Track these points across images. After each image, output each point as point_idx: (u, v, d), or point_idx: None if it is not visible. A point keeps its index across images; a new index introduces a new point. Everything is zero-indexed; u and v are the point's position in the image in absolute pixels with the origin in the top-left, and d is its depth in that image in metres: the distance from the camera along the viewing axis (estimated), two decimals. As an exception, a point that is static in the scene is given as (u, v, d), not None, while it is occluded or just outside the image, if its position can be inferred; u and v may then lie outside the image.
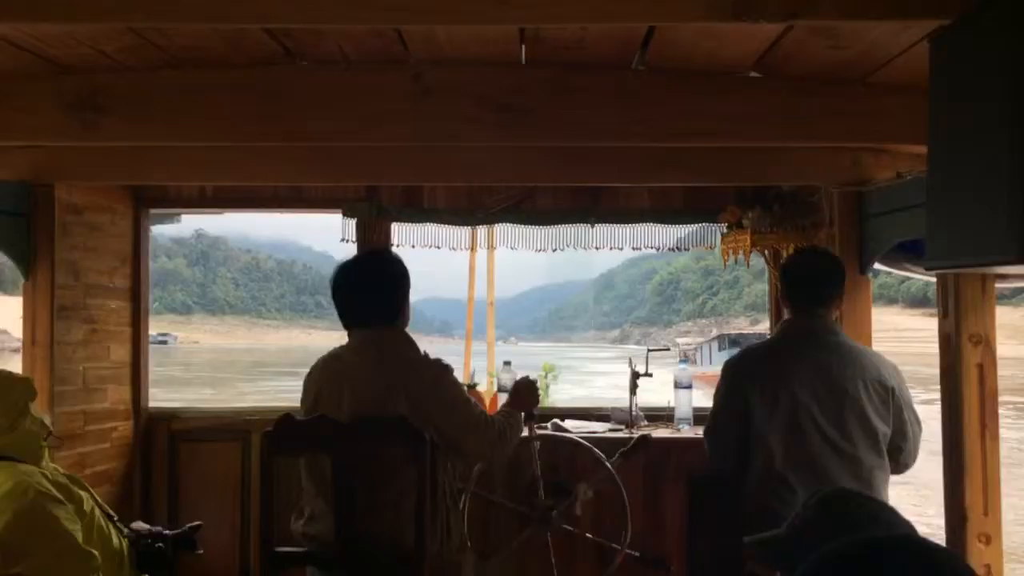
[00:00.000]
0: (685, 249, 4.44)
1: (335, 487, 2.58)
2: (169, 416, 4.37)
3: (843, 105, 2.79)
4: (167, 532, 2.83)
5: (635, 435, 4.08)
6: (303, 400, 2.80)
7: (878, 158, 3.55)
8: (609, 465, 3.62)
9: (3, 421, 2.49)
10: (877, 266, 3.58)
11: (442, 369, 2.72)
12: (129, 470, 4.20)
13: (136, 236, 4.31)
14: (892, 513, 1.64)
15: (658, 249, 4.53)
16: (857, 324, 3.62)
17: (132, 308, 4.28)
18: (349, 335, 2.79)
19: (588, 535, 3.66)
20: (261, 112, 2.81)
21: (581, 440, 3.76)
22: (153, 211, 4.42)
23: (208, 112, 2.82)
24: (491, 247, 4.54)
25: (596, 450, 3.68)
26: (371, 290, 2.74)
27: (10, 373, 2.64)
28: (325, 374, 2.78)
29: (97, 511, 2.60)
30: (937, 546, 1.10)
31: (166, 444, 4.31)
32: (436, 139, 2.97)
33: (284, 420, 2.62)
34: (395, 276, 2.78)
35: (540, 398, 3.16)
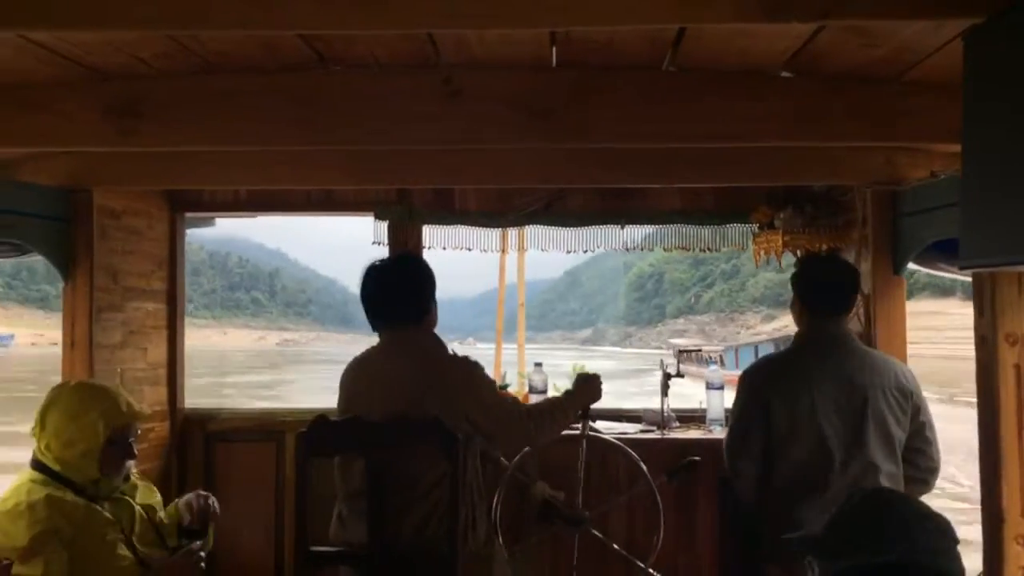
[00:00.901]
0: (716, 250, 4.42)
1: (368, 487, 2.61)
2: (205, 417, 4.42)
3: (877, 104, 2.77)
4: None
5: (667, 436, 4.09)
6: (338, 403, 2.85)
7: (912, 157, 3.52)
8: (653, 483, 3.58)
9: (61, 448, 2.49)
10: (911, 266, 3.55)
11: (472, 366, 2.77)
12: (165, 471, 4.25)
13: (172, 240, 4.38)
14: (930, 519, 1.62)
15: (689, 249, 4.52)
16: (891, 325, 3.59)
17: (168, 311, 4.35)
18: (379, 337, 2.84)
19: (615, 546, 3.64)
20: (294, 116, 2.85)
21: (630, 451, 3.70)
22: (188, 215, 4.49)
23: (242, 116, 2.86)
24: (521, 249, 4.55)
25: (642, 464, 3.63)
26: (398, 291, 2.80)
27: (95, 390, 2.64)
28: (357, 376, 2.83)
29: (111, 542, 2.51)
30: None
31: (202, 445, 4.36)
32: (466, 141, 2.99)
33: (319, 421, 2.65)
34: (420, 277, 2.84)
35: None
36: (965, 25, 1.93)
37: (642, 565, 3.59)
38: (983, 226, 1.77)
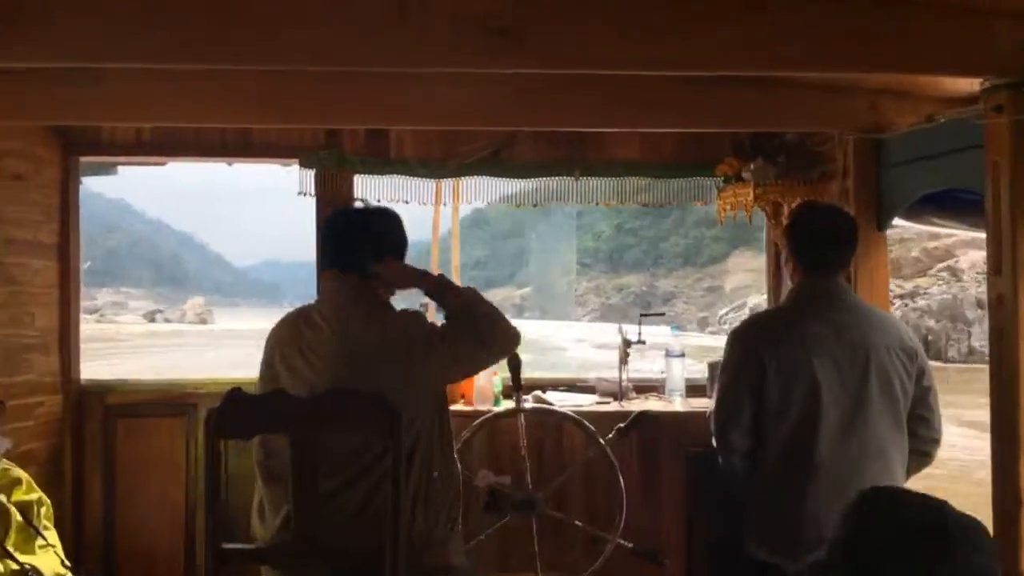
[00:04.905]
0: (677, 205, 4.08)
1: (293, 471, 2.19)
2: (104, 389, 3.92)
3: (896, 26, 2.37)
4: None
5: (625, 408, 3.75)
6: (267, 362, 2.41)
7: (899, 102, 3.20)
8: (603, 441, 3.28)
9: None
10: (897, 221, 3.25)
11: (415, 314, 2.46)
12: (58, 450, 3.77)
13: (64, 187, 3.84)
14: (974, 530, 1.26)
15: (646, 205, 4.16)
16: (873, 286, 3.31)
17: (60, 268, 3.82)
18: (325, 279, 2.44)
19: (578, 523, 3.32)
20: (201, 26, 2.31)
21: (571, 414, 3.42)
22: (84, 159, 3.95)
23: (136, 26, 2.32)
24: (456, 201, 4.10)
25: (588, 425, 3.35)
26: (362, 237, 2.43)
27: None
28: (292, 335, 2.38)
29: None
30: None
31: (100, 421, 3.87)
32: (415, 64, 2.53)
33: (234, 396, 2.20)
34: (387, 228, 2.48)
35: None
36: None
37: (609, 537, 3.29)
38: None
